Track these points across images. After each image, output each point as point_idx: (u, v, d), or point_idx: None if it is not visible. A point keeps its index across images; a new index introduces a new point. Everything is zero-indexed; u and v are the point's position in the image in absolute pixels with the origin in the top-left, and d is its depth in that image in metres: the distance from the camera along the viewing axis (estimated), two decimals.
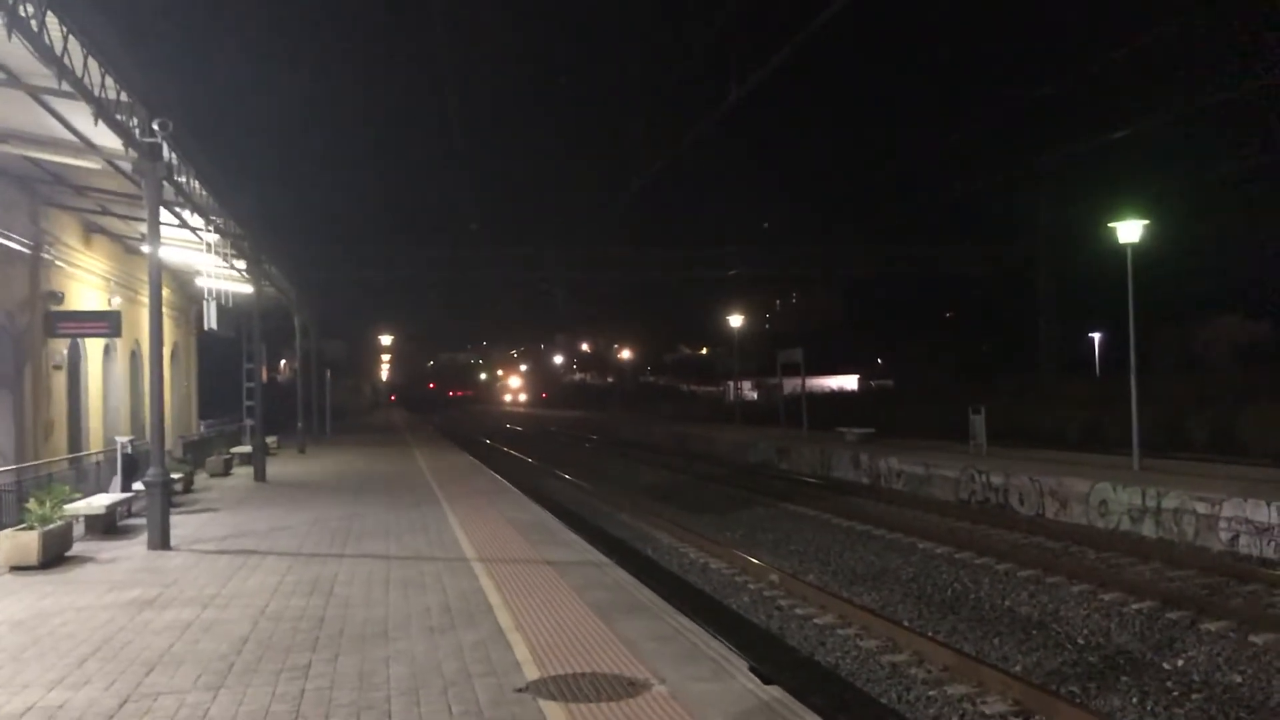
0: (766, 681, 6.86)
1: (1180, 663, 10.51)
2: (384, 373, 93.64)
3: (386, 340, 73.05)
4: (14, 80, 12.42)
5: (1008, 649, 11.23)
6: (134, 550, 12.97)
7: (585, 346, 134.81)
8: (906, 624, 12.17)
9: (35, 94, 12.88)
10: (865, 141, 74.66)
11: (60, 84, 9.98)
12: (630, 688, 6.75)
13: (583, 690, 6.71)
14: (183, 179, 15.22)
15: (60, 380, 21.23)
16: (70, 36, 9.81)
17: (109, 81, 11.42)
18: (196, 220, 18.81)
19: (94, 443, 22.79)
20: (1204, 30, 33.04)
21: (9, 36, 8.54)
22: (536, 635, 8.22)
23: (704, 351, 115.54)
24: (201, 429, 34.03)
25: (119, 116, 11.93)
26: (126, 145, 12.40)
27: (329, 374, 44.42)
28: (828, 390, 66.06)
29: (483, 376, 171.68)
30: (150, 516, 12.93)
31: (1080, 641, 11.52)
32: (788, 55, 14.51)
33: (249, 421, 36.01)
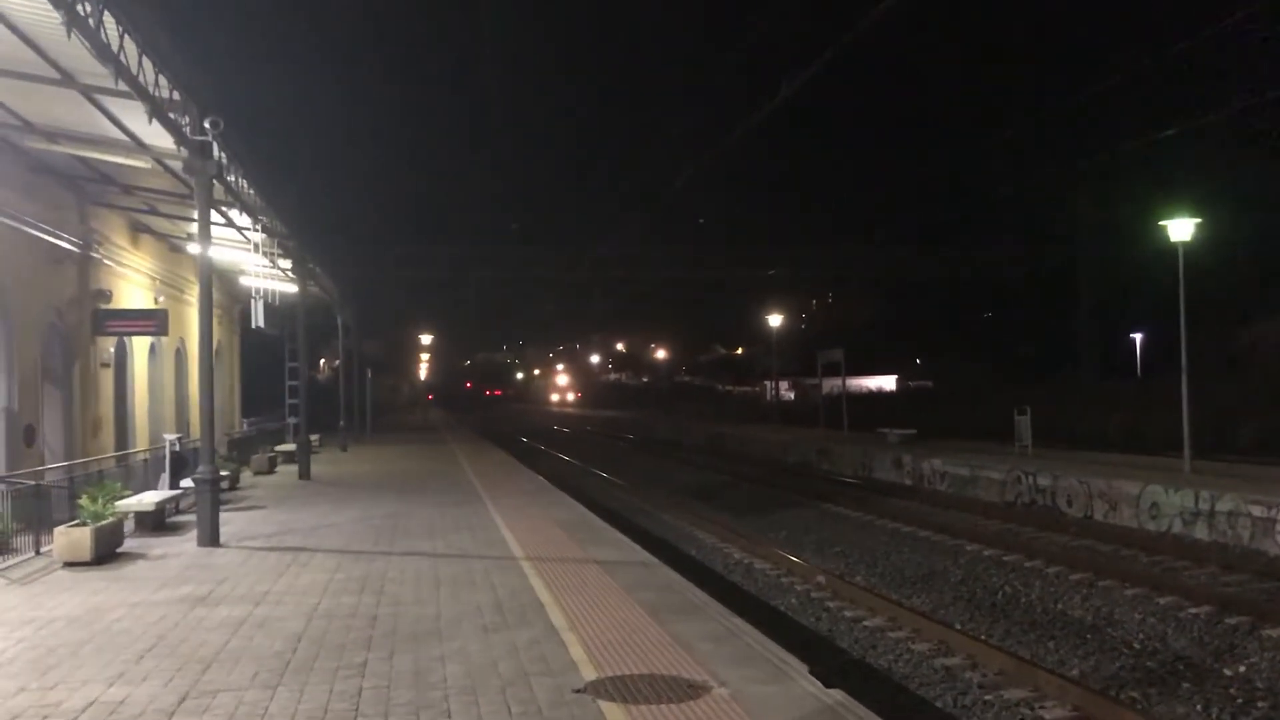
0: (828, 685, 6.75)
1: (1242, 669, 10.29)
2: (421, 372, 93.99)
3: (426, 339, 73.26)
4: (68, 79, 12.51)
5: (1063, 653, 11.06)
6: (184, 547, 13.05)
7: (620, 346, 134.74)
8: (959, 627, 12.03)
9: (88, 93, 12.99)
10: (906, 143, 74.12)
11: (117, 83, 10.02)
12: (690, 690, 6.66)
13: (641, 691, 6.64)
14: (231, 178, 15.28)
15: (108, 378, 21.43)
16: (125, 35, 9.85)
17: (161, 80, 11.48)
18: (243, 219, 18.91)
19: (140, 440, 23.00)
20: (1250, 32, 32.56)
21: (68, 35, 8.59)
22: (591, 635, 8.16)
23: (738, 352, 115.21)
24: (244, 427, 34.29)
25: (171, 115, 11.98)
26: (179, 144, 12.47)
27: (369, 373, 44.64)
28: (866, 391, 65.66)
29: (519, 376, 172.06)
30: (200, 513, 13.00)
31: (1136, 646, 11.33)
32: (835, 54, 14.36)
33: (291, 420, 36.41)
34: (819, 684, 6.77)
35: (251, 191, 16.61)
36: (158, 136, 14.85)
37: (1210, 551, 15.70)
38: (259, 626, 8.62)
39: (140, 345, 23.60)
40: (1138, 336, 57.65)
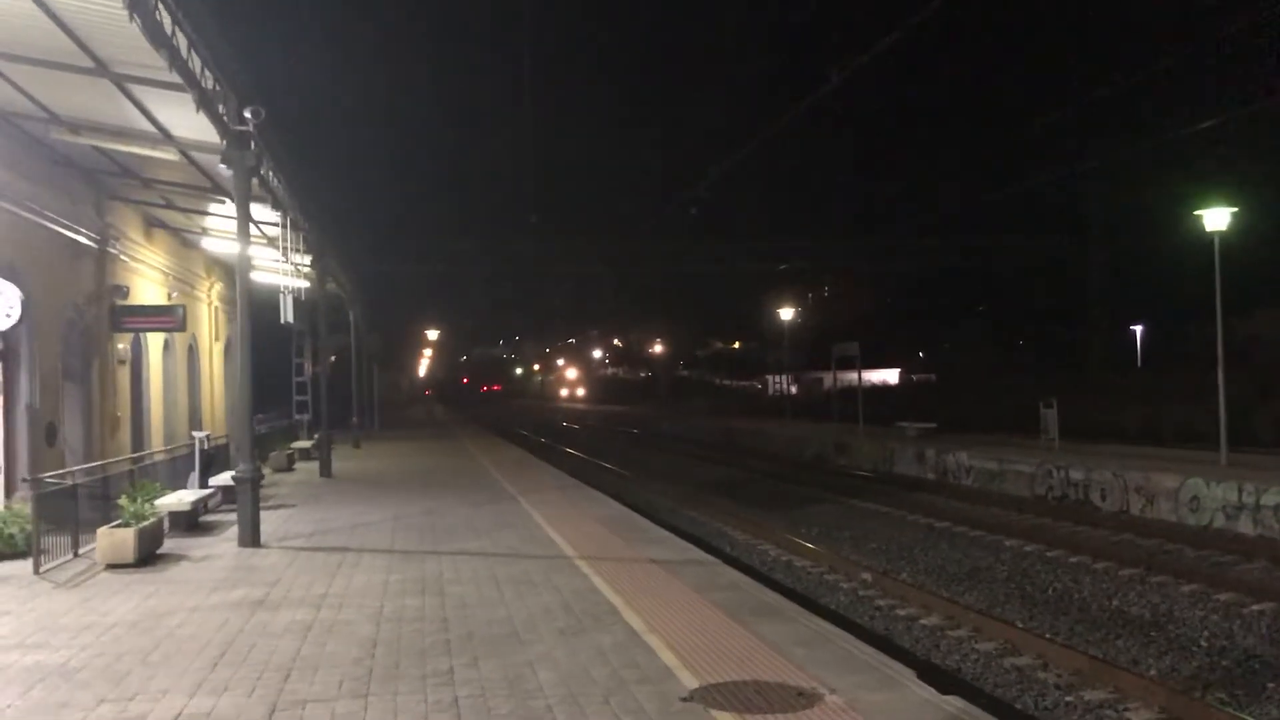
0: (943, 691, 6.49)
1: None
2: (420, 367, 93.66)
3: (433, 335, 72.87)
4: (101, 68, 12.19)
5: (1134, 652, 10.81)
6: (224, 548, 12.75)
7: (617, 341, 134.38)
8: (1020, 625, 11.78)
9: (121, 82, 12.67)
10: (916, 139, 73.84)
11: (170, 71, 9.70)
12: (800, 698, 6.40)
13: (751, 700, 6.37)
14: (263, 170, 14.95)
15: (124, 375, 21.10)
16: (177, 22, 9.54)
17: (205, 69, 11.16)
18: (266, 213, 18.58)
19: (155, 438, 22.69)
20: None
21: (129, 18, 8.28)
22: (675, 639, 7.89)
23: (736, 346, 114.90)
24: (254, 424, 33.85)
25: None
26: (221, 135, 12.13)
27: (376, 369, 44.30)
28: (871, 385, 65.39)
29: (518, 371, 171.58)
30: (241, 513, 12.71)
31: (1204, 644, 11.09)
32: (882, 49, 14.12)
33: (300, 416, 36.05)
34: (933, 690, 6.51)
35: (279, 184, 16.27)
36: (185, 128, 14.57)
37: (1258, 546, 15.48)
38: (328, 631, 8.34)
39: (155, 342, 23.27)
40: (1138, 329, 57.61)
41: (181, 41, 9.72)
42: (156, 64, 10.80)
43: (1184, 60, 32.87)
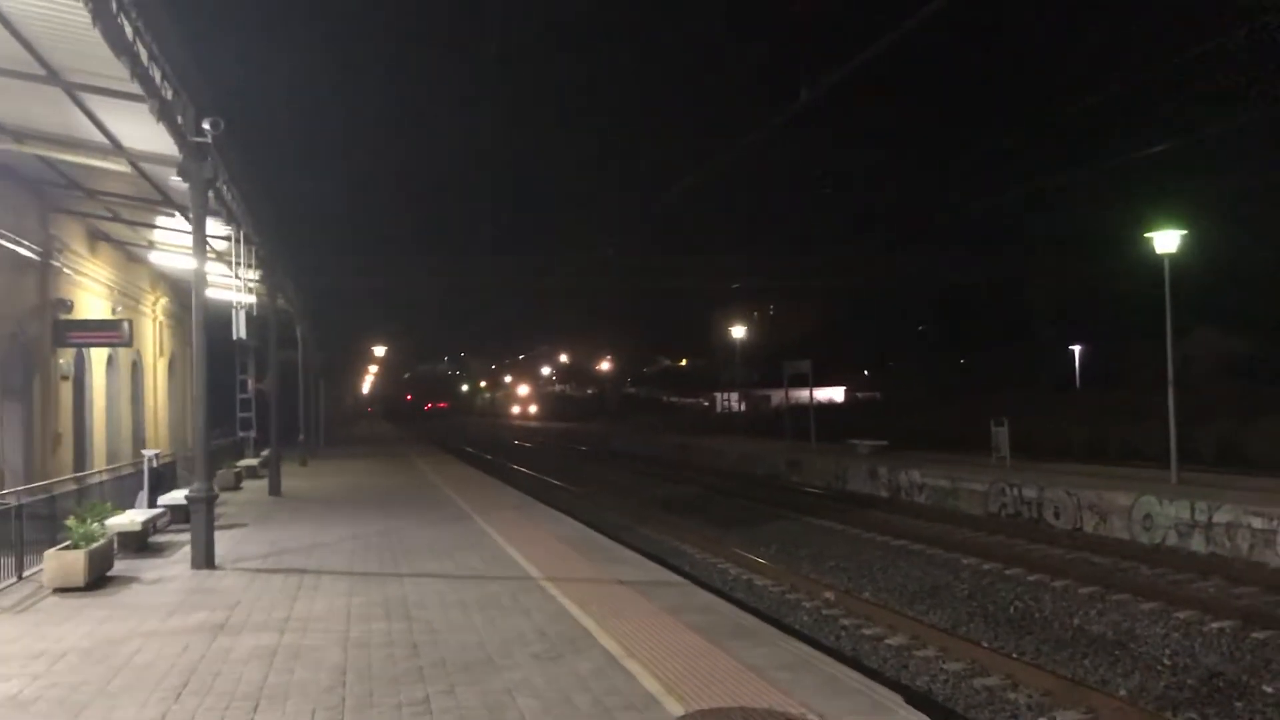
0: (938, 716, 6.40)
1: None
2: (364, 384, 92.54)
3: (380, 351, 72.00)
4: (53, 76, 11.84)
5: (1102, 671, 10.85)
6: (178, 569, 12.37)
7: (565, 358, 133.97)
8: (986, 645, 11.79)
9: (73, 91, 12.32)
10: (868, 159, 74.75)
11: (132, 80, 9.41)
12: None
13: None
14: (219, 183, 14.61)
15: (67, 392, 20.52)
16: (139, 31, 9.25)
17: (164, 80, 10.85)
18: (217, 227, 18.17)
19: (98, 457, 22.07)
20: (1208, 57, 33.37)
21: (93, 24, 8.00)
22: (655, 664, 7.74)
23: (683, 363, 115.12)
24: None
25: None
26: (181, 147, 11.82)
27: (322, 385, 43.66)
28: (818, 402, 65.65)
29: (464, 388, 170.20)
30: (195, 534, 12.34)
31: (1168, 663, 11.17)
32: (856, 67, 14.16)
33: (244, 434, 35.35)
34: (924, 716, 6.42)
35: (233, 197, 15.91)
36: (137, 139, 14.20)
37: (1211, 564, 15.70)
38: (295, 657, 8.07)
39: (98, 358, 22.66)
40: (1076, 349, 58.65)
41: (142, 51, 9.43)
42: (112, 73, 10.50)
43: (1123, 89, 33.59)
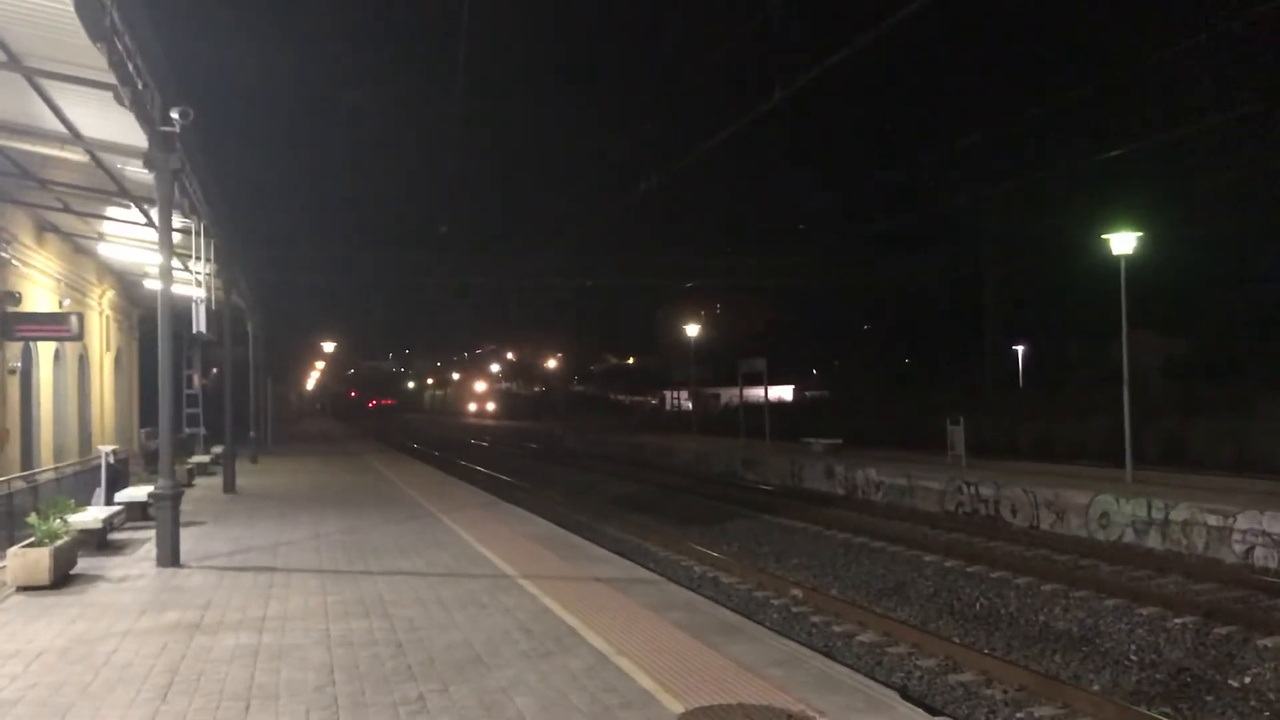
0: (932, 712, 6.46)
1: (1248, 680, 10.37)
2: (309, 381, 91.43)
3: (329, 347, 71.13)
4: (13, 62, 11.52)
5: (1074, 667, 11.02)
6: (143, 567, 12.11)
7: (511, 356, 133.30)
8: (958, 641, 11.91)
9: (32, 77, 12.00)
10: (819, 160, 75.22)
11: (108, 67, 9.17)
12: None
13: None
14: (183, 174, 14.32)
15: (14, 386, 20.03)
16: (114, 17, 9.03)
17: (135, 68, 10.61)
18: (176, 219, 17.80)
19: (45, 453, 21.58)
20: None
21: (75, 11, 7.79)
22: (646, 661, 7.72)
23: (630, 361, 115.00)
24: (142, 438, 32.57)
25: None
26: (149, 137, 11.56)
27: (270, 381, 43.03)
28: (766, 401, 65.95)
29: (410, 385, 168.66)
30: (160, 531, 12.10)
31: (1135, 658, 11.37)
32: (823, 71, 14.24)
33: (191, 430, 34.78)
34: (924, 711, 6.47)
35: (195, 189, 15.62)
36: (96, 128, 13.87)
37: (1168, 560, 15.99)
38: (278, 657, 7.93)
39: (45, 352, 22.16)
40: (1019, 349, 59.52)
41: (117, 39, 9.21)
42: (79, 60, 10.25)
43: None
